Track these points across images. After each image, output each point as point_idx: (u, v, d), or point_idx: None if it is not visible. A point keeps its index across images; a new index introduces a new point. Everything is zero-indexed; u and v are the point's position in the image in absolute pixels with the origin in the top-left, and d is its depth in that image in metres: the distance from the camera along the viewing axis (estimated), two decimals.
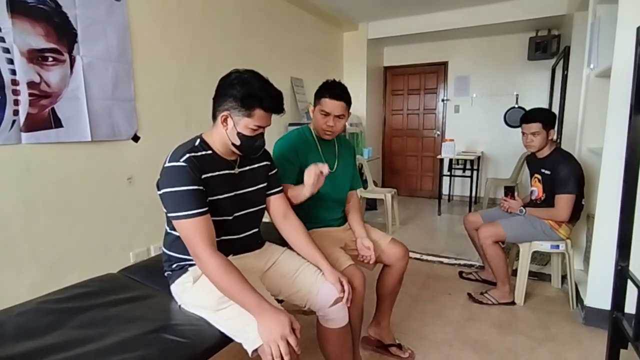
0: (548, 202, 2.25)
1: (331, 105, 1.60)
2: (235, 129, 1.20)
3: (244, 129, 1.19)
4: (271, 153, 1.50)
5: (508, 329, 2.09)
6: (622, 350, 1.44)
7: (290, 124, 3.79)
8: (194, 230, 1.11)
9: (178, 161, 1.14)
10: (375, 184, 4.37)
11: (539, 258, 2.95)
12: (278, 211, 1.44)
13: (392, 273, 1.75)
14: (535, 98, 4.70)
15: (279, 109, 1.23)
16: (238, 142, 1.22)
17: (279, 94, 1.22)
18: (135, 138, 2.35)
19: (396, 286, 1.79)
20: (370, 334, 1.89)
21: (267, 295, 1.18)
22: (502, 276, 2.33)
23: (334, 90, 1.61)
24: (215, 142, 1.25)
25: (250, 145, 1.24)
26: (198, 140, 1.24)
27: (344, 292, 1.32)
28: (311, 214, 1.69)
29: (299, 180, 1.59)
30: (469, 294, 2.43)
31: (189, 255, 1.16)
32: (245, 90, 1.16)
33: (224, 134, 1.22)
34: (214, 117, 1.24)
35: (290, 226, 1.44)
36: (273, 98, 1.19)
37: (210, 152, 1.23)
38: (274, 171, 1.45)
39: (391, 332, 1.87)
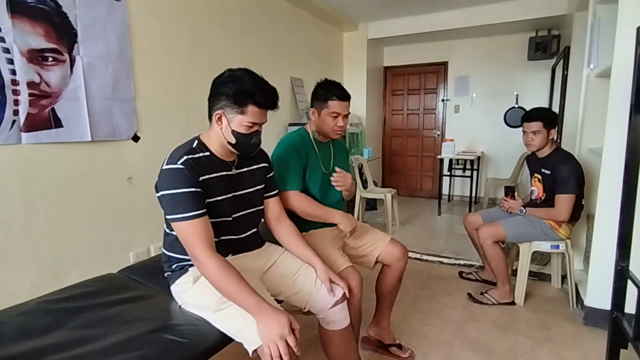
0: (548, 202, 2.25)
1: (340, 106, 1.62)
2: (230, 127, 1.19)
3: (238, 126, 1.19)
4: (269, 157, 1.50)
5: (508, 329, 2.09)
6: (622, 350, 1.44)
7: (291, 124, 3.79)
8: (192, 232, 1.11)
9: (175, 163, 1.14)
10: (375, 184, 4.37)
11: (539, 258, 2.95)
12: (273, 214, 1.45)
13: (391, 273, 1.76)
14: (535, 98, 4.70)
15: (272, 105, 1.22)
16: (233, 141, 1.21)
17: (272, 89, 1.21)
18: (135, 138, 2.35)
19: (395, 286, 1.79)
20: (370, 334, 1.89)
21: (267, 296, 1.18)
22: (502, 276, 2.33)
23: (340, 91, 1.63)
24: (213, 142, 1.25)
25: (246, 143, 1.23)
26: (196, 142, 1.24)
27: (332, 291, 1.31)
28: None
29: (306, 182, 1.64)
30: (469, 294, 2.43)
31: (188, 255, 1.16)
32: (237, 86, 1.16)
33: (220, 133, 1.22)
34: (210, 117, 1.24)
35: (283, 228, 1.45)
36: (265, 93, 1.19)
37: (207, 153, 1.23)
38: (271, 174, 1.45)
39: (391, 332, 1.87)
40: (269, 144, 1.66)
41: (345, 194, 1.77)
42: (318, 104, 1.65)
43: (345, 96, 1.63)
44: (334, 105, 1.62)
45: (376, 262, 1.75)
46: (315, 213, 1.62)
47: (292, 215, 1.53)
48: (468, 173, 4.93)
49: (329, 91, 1.63)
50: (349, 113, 1.69)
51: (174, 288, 1.27)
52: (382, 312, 1.85)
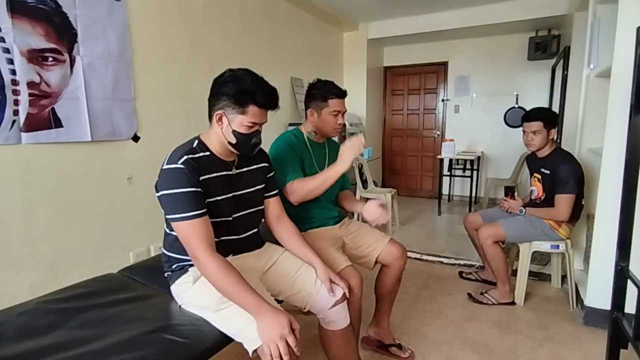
0: (548, 201, 2.25)
1: (340, 104, 1.66)
2: (231, 127, 1.20)
3: (239, 126, 1.19)
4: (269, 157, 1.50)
5: (508, 329, 2.09)
6: (622, 350, 1.44)
7: (290, 124, 3.79)
8: (192, 232, 1.11)
9: (176, 163, 1.14)
10: (375, 184, 4.37)
11: (539, 258, 2.95)
12: (273, 214, 1.45)
13: (390, 273, 1.76)
14: (535, 98, 4.70)
15: (273, 105, 1.23)
16: (234, 141, 1.22)
17: (273, 89, 1.22)
18: (135, 138, 2.35)
19: (395, 286, 1.79)
20: (370, 334, 1.89)
21: (267, 296, 1.18)
22: (502, 276, 2.33)
23: (337, 89, 1.66)
24: (213, 142, 1.25)
25: (246, 143, 1.24)
26: (196, 142, 1.24)
27: (332, 291, 1.32)
28: (307, 215, 1.70)
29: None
30: (469, 294, 2.43)
31: (188, 255, 1.16)
32: (238, 87, 1.16)
33: (220, 133, 1.22)
34: (210, 117, 1.24)
35: (283, 228, 1.45)
36: (266, 93, 1.19)
37: (208, 153, 1.23)
38: (271, 174, 1.45)
39: (391, 332, 1.87)
40: (268, 144, 1.66)
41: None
42: (317, 104, 1.66)
43: (343, 94, 1.67)
44: (334, 103, 1.64)
45: (376, 262, 1.75)
46: (317, 182, 1.53)
47: (292, 216, 1.53)
48: (468, 173, 4.92)
49: (327, 90, 1.65)
50: (346, 110, 1.72)
51: (174, 288, 1.27)
52: (381, 312, 1.85)
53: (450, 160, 4.95)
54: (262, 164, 1.41)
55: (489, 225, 2.32)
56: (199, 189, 1.15)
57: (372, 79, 5.27)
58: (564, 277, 2.55)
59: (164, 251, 1.31)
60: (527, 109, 2.44)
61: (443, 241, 3.61)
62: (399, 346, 1.83)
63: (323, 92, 1.65)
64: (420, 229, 4.06)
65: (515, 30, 4.58)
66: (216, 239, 1.19)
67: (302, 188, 1.54)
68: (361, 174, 4.11)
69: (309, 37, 4.25)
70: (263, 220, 1.47)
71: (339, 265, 1.52)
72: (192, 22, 2.73)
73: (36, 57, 1.82)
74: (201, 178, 1.17)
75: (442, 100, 5.40)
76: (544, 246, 2.29)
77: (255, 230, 1.41)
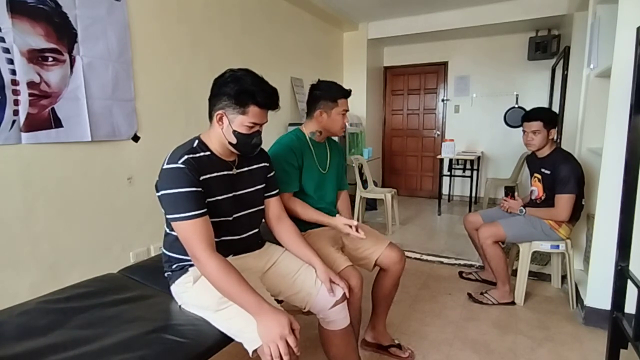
0: (548, 201, 2.25)
1: (346, 103, 1.70)
2: (231, 127, 1.20)
3: (239, 126, 1.19)
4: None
5: (508, 329, 2.09)
6: (622, 350, 1.44)
7: (291, 124, 3.79)
8: (193, 231, 1.11)
9: (176, 163, 1.14)
10: (375, 184, 4.37)
11: (539, 258, 2.95)
12: (273, 213, 1.45)
13: (388, 277, 1.75)
14: (535, 98, 4.70)
15: (273, 105, 1.23)
16: (234, 141, 1.22)
17: (273, 89, 1.22)
18: (135, 138, 2.35)
19: (392, 290, 1.78)
20: (367, 338, 1.88)
21: (267, 296, 1.18)
22: (502, 276, 2.33)
23: (343, 88, 1.69)
24: (213, 142, 1.25)
25: (247, 144, 1.24)
26: (196, 142, 1.24)
27: (332, 291, 1.32)
28: None
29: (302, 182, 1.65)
30: (469, 294, 2.43)
31: (188, 255, 1.16)
32: (238, 87, 1.16)
33: (221, 133, 1.22)
34: (210, 117, 1.24)
35: (283, 228, 1.45)
36: (266, 93, 1.19)
37: (208, 153, 1.23)
38: (272, 173, 1.45)
39: (388, 334, 1.87)
40: (269, 144, 1.66)
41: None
42: (326, 105, 1.67)
43: (349, 93, 1.71)
44: (343, 103, 1.68)
45: (375, 264, 1.75)
46: (310, 217, 1.63)
47: (292, 216, 1.53)
48: (468, 173, 4.93)
49: (335, 91, 1.67)
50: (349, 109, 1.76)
51: (174, 288, 1.27)
52: (377, 315, 1.84)
53: (450, 160, 4.96)
54: (263, 164, 1.41)
55: (489, 225, 2.32)
56: (199, 189, 1.15)
57: (372, 79, 5.27)
58: (564, 277, 2.55)
59: (164, 251, 1.31)
60: (527, 109, 2.44)
61: (443, 241, 3.61)
62: (399, 346, 1.83)
63: (331, 92, 1.66)
64: (420, 229, 4.06)
65: (515, 30, 4.58)
66: (216, 239, 1.19)
67: (295, 208, 1.62)
68: (361, 174, 4.11)
69: (309, 37, 4.25)
70: (263, 220, 1.47)
71: (339, 265, 1.52)
72: (192, 22, 2.73)
73: (36, 57, 1.82)
74: (201, 178, 1.17)
75: (442, 100, 5.40)
76: (544, 246, 2.29)
77: (256, 230, 1.41)
